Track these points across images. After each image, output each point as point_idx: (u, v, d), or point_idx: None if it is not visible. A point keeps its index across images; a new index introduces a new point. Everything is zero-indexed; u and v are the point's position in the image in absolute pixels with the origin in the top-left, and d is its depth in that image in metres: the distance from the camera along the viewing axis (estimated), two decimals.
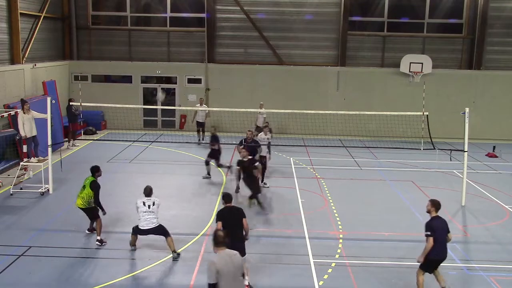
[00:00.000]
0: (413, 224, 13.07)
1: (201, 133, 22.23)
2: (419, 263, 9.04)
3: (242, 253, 8.77)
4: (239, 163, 14.38)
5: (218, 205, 14.08)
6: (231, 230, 8.75)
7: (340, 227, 12.68)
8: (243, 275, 6.97)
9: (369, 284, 9.79)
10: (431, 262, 8.92)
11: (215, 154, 16.73)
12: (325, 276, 9.92)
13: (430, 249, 8.81)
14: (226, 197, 9.60)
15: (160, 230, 10.62)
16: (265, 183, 15.89)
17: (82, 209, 11.22)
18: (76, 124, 21.50)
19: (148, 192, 10.68)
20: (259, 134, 16.80)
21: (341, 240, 11.81)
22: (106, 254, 10.64)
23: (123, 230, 12.12)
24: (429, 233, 8.82)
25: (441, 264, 9.31)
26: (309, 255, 10.86)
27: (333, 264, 10.48)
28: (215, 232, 7.02)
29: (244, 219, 9.34)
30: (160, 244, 11.30)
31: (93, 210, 11.23)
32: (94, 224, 11.41)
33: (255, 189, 14.10)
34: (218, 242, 6.87)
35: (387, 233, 12.40)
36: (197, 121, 22.18)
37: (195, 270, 10.07)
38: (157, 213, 10.58)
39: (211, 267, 6.60)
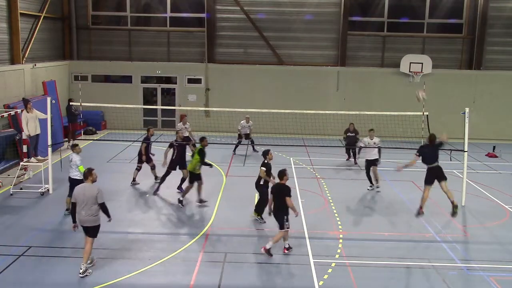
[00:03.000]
0: (413, 224, 13.07)
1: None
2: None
3: (281, 226, 10.63)
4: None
5: (218, 205, 14.09)
6: (277, 203, 10.70)
7: (340, 227, 12.68)
8: None
9: (369, 284, 9.79)
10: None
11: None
12: (325, 276, 9.92)
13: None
14: (279, 174, 10.91)
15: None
16: (376, 186, 15.92)
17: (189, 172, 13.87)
18: (76, 124, 21.49)
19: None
20: (365, 140, 16.13)
21: (341, 240, 11.80)
22: (106, 254, 10.64)
23: (123, 230, 12.14)
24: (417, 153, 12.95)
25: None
26: (309, 255, 10.86)
27: (333, 264, 10.47)
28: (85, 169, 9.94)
29: (287, 197, 10.60)
30: (160, 245, 11.31)
31: (195, 175, 13.73)
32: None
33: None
34: (84, 177, 9.89)
35: (387, 233, 12.40)
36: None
37: (195, 270, 10.06)
38: (73, 169, 12.37)
39: (73, 192, 9.91)
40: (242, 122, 20.44)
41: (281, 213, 10.66)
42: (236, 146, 20.50)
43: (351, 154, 19.63)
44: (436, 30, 25.72)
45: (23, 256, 10.47)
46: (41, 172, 15.06)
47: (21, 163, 15.84)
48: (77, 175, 12.14)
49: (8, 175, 16.13)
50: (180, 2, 25.74)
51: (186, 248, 11.09)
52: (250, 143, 20.57)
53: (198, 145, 14.33)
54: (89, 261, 9.85)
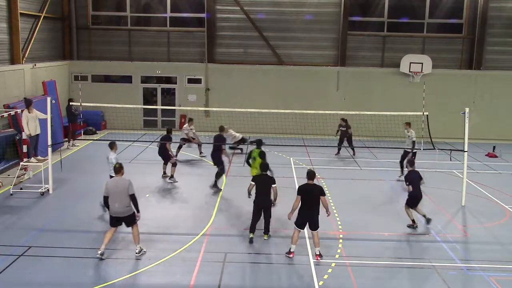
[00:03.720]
0: None
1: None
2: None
3: (316, 225, 10.62)
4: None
5: (218, 205, 14.10)
6: (309, 204, 10.47)
7: (340, 227, 12.68)
8: None
9: (369, 284, 9.79)
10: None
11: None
12: (325, 276, 9.92)
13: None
14: (309, 174, 10.72)
15: None
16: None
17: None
18: (76, 124, 21.49)
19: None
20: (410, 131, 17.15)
21: (341, 240, 11.81)
22: (106, 254, 10.64)
23: (123, 230, 12.11)
24: (407, 183, 12.50)
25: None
26: (309, 255, 10.87)
27: (333, 264, 10.48)
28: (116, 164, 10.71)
29: (322, 196, 10.52)
30: (160, 245, 11.32)
31: None
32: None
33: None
34: (115, 171, 10.57)
35: (387, 233, 12.40)
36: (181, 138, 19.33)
37: (195, 270, 10.07)
38: (109, 165, 12.88)
39: (105, 185, 10.34)
40: (229, 133, 20.31)
41: (317, 213, 10.61)
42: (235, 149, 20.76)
43: (349, 149, 20.77)
44: (436, 30, 25.72)
45: (23, 256, 10.47)
46: (41, 172, 15.06)
47: (21, 163, 15.84)
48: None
49: (8, 175, 16.13)
50: (180, 2, 25.73)
51: (186, 248, 11.09)
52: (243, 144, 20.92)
53: (255, 149, 14.05)
54: (138, 247, 10.65)
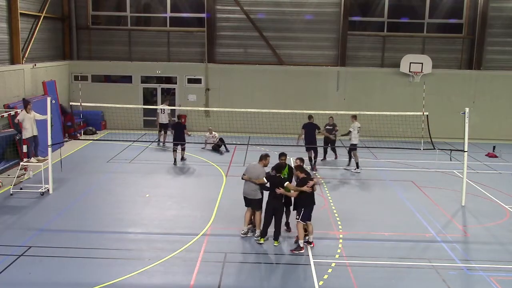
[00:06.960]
0: (413, 224, 13.08)
1: (163, 135, 21.62)
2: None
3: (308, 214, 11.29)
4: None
5: (218, 205, 14.09)
6: (312, 195, 11.29)
7: (340, 227, 12.68)
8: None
9: (369, 284, 9.79)
10: None
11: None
12: (325, 276, 9.92)
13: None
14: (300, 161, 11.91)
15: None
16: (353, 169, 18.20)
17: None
18: (69, 116, 21.59)
19: None
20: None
21: (341, 240, 11.81)
22: (106, 254, 10.64)
23: (123, 230, 12.14)
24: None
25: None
26: (309, 255, 10.86)
27: (333, 264, 10.48)
28: (265, 153, 11.86)
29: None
30: (160, 245, 11.32)
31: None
32: None
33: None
34: (260, 158, 11.74)
35: (387, 233, 12.40)
36: (159, 123, 21.45)
37: (195, 270, 10.06)
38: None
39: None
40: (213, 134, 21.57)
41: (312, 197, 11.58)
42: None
43: (333, 152, 20.16)
44: (436, 30, 25.72)
45: (23, 256, 10.47)
46: (41, 172, 15.06)
47: (21, 163, 15.83)
48: None
49: (8, 175, 16.13)
50: (180, 2, 25.72)
51: (186, 248, 11.09)
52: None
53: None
54: (254, 230, 11.72)
